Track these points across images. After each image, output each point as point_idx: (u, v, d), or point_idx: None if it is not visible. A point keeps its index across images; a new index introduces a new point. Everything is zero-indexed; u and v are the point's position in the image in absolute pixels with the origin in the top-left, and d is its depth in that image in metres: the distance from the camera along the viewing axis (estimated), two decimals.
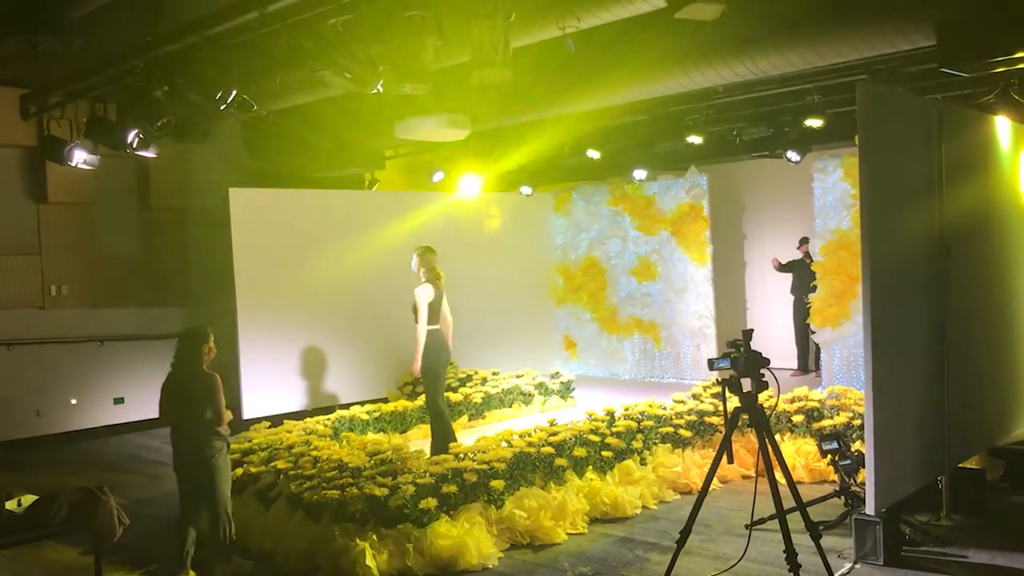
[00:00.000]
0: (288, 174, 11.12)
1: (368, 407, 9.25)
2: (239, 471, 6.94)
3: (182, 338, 5.69)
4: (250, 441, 7.57)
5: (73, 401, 10.64)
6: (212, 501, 5.62)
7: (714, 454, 5.12)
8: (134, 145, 8.52)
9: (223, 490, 5.63)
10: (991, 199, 7.18)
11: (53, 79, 9.07)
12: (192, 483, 5.68)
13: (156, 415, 5.84)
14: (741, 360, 4.90)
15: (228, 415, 5.63)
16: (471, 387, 10.31)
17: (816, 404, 7.76)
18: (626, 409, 7.87)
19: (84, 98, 9.13)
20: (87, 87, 8.74)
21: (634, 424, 7.46)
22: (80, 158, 9.30)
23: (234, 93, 7.30)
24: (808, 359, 12.32)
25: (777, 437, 7.59)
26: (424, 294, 8.16)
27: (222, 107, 7.32)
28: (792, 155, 10.08)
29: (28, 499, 4.96)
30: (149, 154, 8.97)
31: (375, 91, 6.72)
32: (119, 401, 10.88)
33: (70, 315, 10.67)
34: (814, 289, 10.86)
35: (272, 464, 6.88)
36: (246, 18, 6.45)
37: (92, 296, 10.82)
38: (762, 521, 5.99)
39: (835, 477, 6.59)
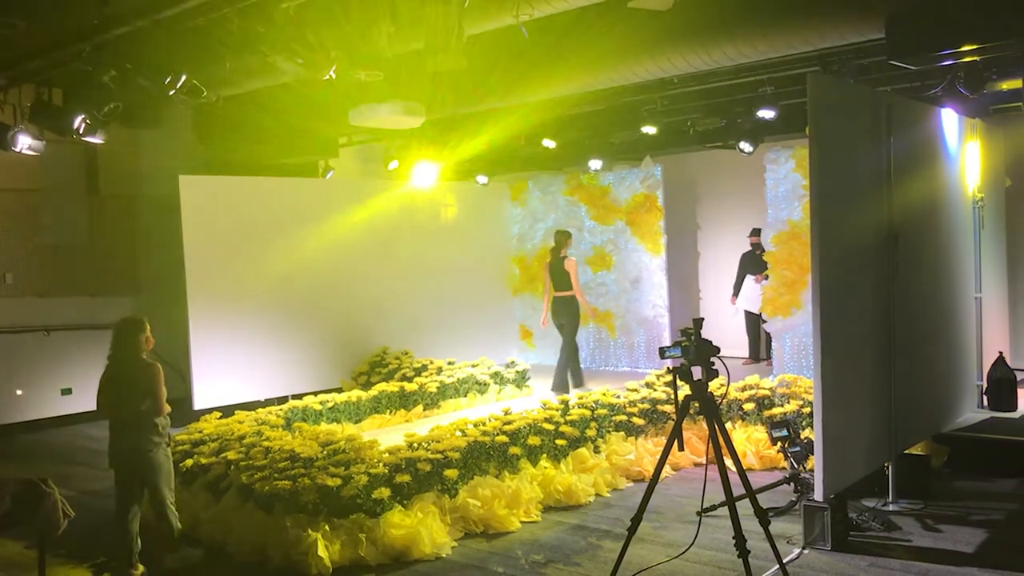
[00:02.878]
0: (240, 161, 10.95)
1: (321, 397, 9.17)
2: (189, 462, 6.85)
3: (117, 329, 5.52)
4: (200, 432, 7.47)
5: (18, 392, 10.42)
6: (153, 496, 5.56)
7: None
8: (81, 131, 8.31)
9: (163, 484, 5.55)
10: (938, 190, 7.32)
11: None
12: (130, 477, 5.55)
13: None
14: (692, 348, 4.93)
15: (167, 407, 5.53)
16: (426, 376, 10.28)
17: (767, 392, 7.86)
18: (580, 398, 7.91)
19: (29, 82, 8.87)
20: (31, 71, 8.49)
21: (588, 413, 7.50)
22: (24, 143, 9.05)
23: (184, 78, 7.15)
24: (759, 348, 12.47)
25: (728, 425, 7.69)
26: (575, 266, 10.65)
27: (171, 92, 7.17)
28: (745, 146, 10.16)
29: None
30: (97, 140, 8.75)
31: (328, 77, 6.64)
32: (66, 392, 10.68)
33: (15, 304, 10.45)
34: (765, 279, 11.00)
35: (223, 455, 6.79)
36: (196, 1, 6.33)
37: (38, 285, 10.60)
38: (713, 508, 6.05)
39: (785, 464, 6.68)
